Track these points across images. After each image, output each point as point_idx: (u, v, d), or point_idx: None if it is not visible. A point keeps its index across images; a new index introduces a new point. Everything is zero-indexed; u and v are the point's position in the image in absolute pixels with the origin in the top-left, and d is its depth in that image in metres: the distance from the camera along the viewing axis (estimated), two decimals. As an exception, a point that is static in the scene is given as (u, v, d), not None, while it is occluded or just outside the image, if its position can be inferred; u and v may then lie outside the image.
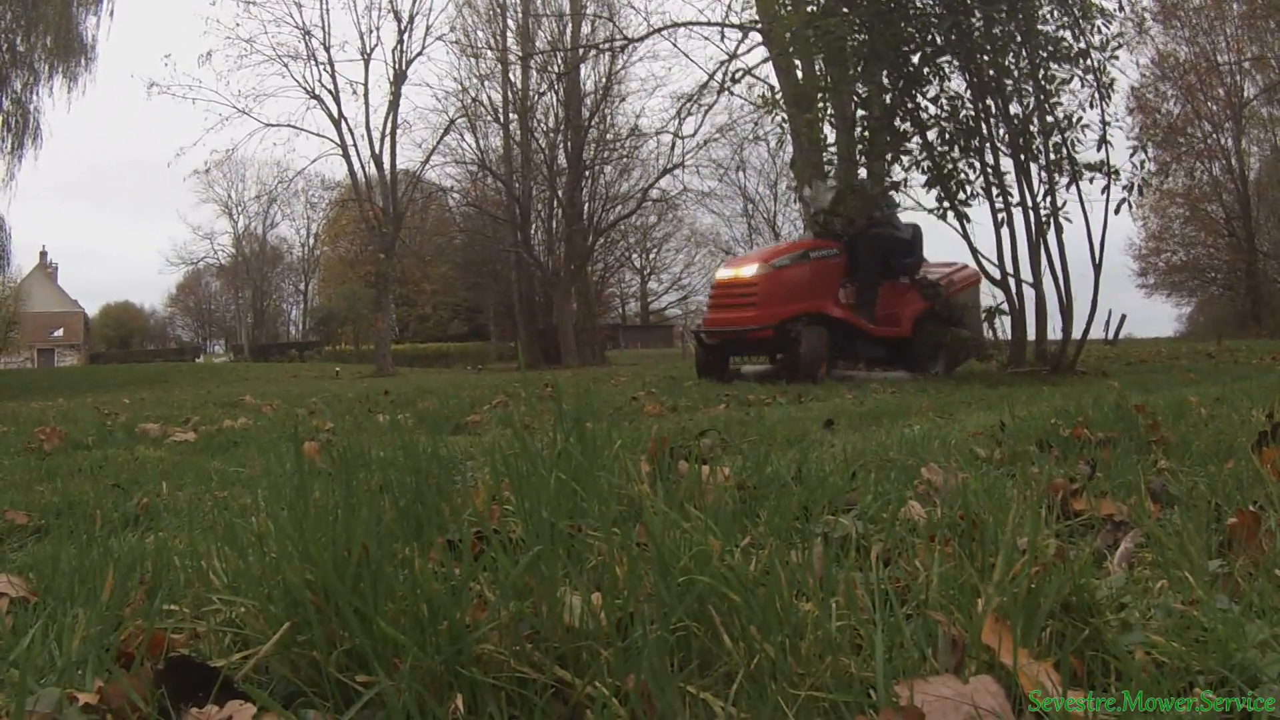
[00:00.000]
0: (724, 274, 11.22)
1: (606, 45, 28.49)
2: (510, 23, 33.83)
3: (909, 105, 10.22)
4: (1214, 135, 39.08)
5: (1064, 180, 9.99)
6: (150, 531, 2.28)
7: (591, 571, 1.31)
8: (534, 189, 35.16)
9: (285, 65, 32.96)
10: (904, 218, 10.98)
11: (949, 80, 10.23)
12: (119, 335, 73.82)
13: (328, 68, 30.67)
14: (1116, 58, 10.05)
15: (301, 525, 1.25)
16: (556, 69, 31.76)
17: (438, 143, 32.82)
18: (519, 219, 34.39)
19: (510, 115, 34.21)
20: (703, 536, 1.31)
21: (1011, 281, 10.08)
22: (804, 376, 9.61)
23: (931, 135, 10.21)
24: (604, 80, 33.81)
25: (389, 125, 30.87)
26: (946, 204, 10.13)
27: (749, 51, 18.78)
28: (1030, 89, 9.97)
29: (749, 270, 10.75)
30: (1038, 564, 1.25)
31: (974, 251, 10.18)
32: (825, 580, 1.27)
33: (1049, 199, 9.95)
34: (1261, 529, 1.51)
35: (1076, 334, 10.08)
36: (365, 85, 32.01)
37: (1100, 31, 9.95)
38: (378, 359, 30.12)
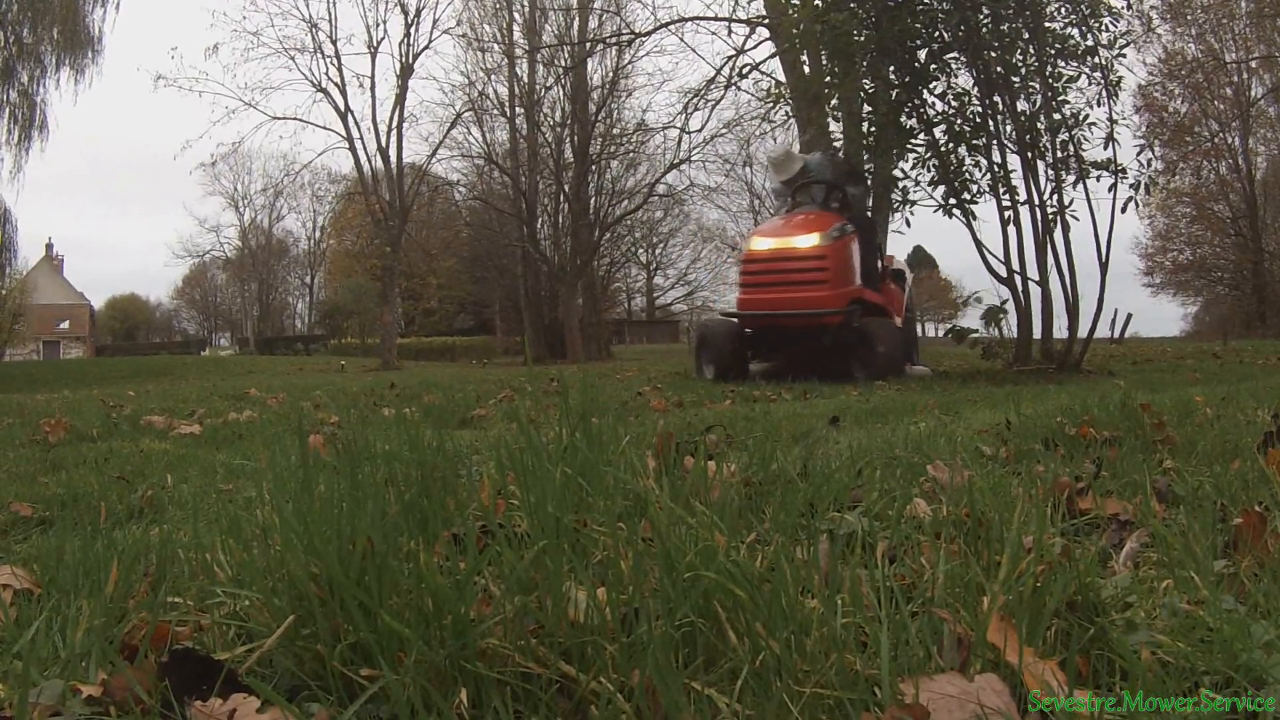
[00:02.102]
0: (764, 244, 9.18)
1: (613, 39, 28.42)
2: (517, 16, 33.77)
3: (916, 101, 10.20)
4: (1221, 134, 39.04)
5: (1071, 178, 9.98)
6: (155, 524, 2.28)
7: (597, 566, 1.31)
8: (540, 183, 35.14)
9: (292, 58, 32.88)
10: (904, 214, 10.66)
11: (956, 77, 10.23)
12: (125, 327, 73.94)
13: (334, 61, 30.62)
14: (1124, 56, 10.05)
15: (306, 518, 1.25)
16: (563, 63, 31.71)
17: (444, 136, 32.80)
18: (525, 213, 34.37)
19: (517, 109, 34.18)
20: (708, 532, 1.31)
21: (1018, 279, 10.06)
22: (882, 374, 8.21)
23: (938, 132, 10.19)
24: (611, 74, 33.78)
25: (395, 119, 30.84)
26: (953, 201, 10.11)
27: (756, 47, 18.65)
28: (1038, 86, 9.96)
29: (809, 239, 8.90)
30: (1043, 562, 1.25)
31: (981, 249, 10.15)
32: (830, 577, 1.27)
33: (1056, 197, 9.94)
34: (1267, 529, 1.51)
35: (1082, 333, 10.06)
36: (372, 79, 32.18)
37: (1108, 29, 9.94)
38: (383, 352, 30.10)
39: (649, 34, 24.19)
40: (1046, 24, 9.82)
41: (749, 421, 4.21)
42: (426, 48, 32.73)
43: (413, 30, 30.57)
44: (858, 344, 8.68)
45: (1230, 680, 1.06)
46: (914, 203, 10.52)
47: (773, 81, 15.50)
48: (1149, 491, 1.97)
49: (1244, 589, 1.33)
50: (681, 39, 37.66)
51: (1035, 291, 10.15)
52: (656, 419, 4.21)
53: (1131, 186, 9.90)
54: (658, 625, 1.08)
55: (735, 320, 9.44)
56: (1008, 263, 10.05)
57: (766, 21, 16.70)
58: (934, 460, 2.41)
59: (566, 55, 31.52)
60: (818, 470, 2.17)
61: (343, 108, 30.43)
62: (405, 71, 30.49)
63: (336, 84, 30.39)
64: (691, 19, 21.70)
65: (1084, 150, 9.95)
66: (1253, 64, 36.71)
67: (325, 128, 44.04)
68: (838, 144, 11.49)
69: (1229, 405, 3.84)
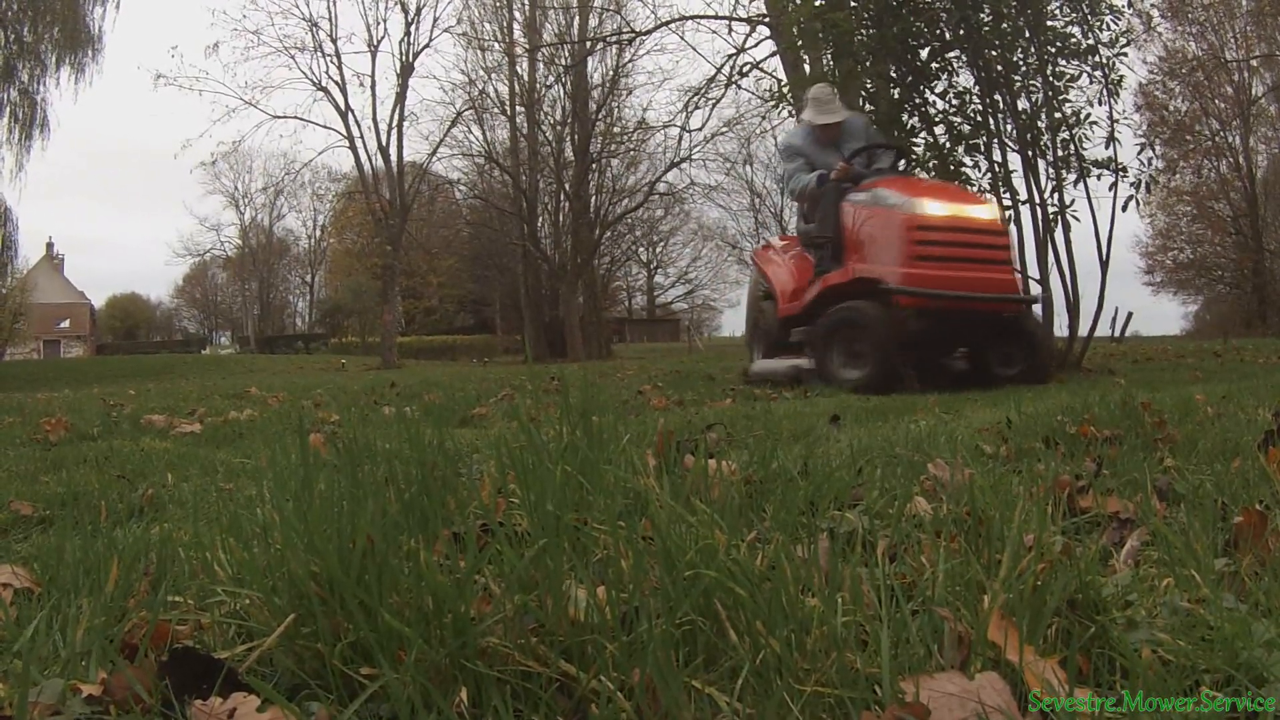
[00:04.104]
0: (939, 209, 6.91)
1: (614, 38, 28.42)
2: (517, 15, 33.83)
3: (917, 100, 10.18)
4: (1222, 133, 39.02)
5: (1072, 177, 9.95)
6: (155, 523, 2.28)
7: (597, 565, 1.31)
8: (541, 182, 35.20)
9: (292, 57, 32.89)
10: None
11: (957, 75, 10.19)
12: (125, 326, 73.97)
13: (334, 60, 30.72)
14: (1125, 54, 10.01)
15: (306, 517, 1.24)
16: (563, 62, 31.72)
17: (444, 135, 32.87)
18: (526, 212, 34.41)
19: (517, 108, 34.22)
20: (708, 530, 1.30)
21: (1018, 278, 10.04)
22: (1039, 377, 7.04)
23: (939, 131, 10.18)
24: (611, 73, 33.85)
25: (396, 117, 30.89)
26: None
27: (756, 45, 18.63)
28: (1038, 85, 9.94)
29: (987, 211, 7.26)
30: (1044, 561, 1.25)
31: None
32: (831, 576, 1.27)
33: (1056, 195, 9.92)
34: (1268, 528, 1.50)
35: (1083, 331, 10.04)
36: (372, 77, 32.18)
37: (1109, 28, 9.92)
38: (383, 351, 30.13)
39: (649, 32, 24.23)
40: (1047, 22, 9.81)
41: (749, 420, 4.20)
42: (427, 46, 32.75)
43: (413, 29, 30.68)
44: (1007, 339, 7.26)
45: (1231, 678, 1.06)
46: None
47: (774, 81, 15.51)
48: (1149, 490, 1.97)
49: (1245, 587, 1.32)
50: (682, 37, 37.79)
51: (1035, 290, 10.13)
52: (657, 417, 4.20)
53: (1132, 185, 9.88)
54: (658, 624, 1.08)
55: (885, 305, 6.83)
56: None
57: (767, 20, 16.69)
58: (934, 458, 2.41)
59: (567, 54, 31.56)
60: (818, 468, 2.16)
61: (343, 106, 30.51)
62: (405, 70, 30.54)
63: (337, 83, 30.48)
64: (692, 17, 21.71)
65: (1085, 149, 9.93)
66: (1253, 62, 36.72)
67: (326, 126, 44.13)
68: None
69: (1229, 404, 3.84)
